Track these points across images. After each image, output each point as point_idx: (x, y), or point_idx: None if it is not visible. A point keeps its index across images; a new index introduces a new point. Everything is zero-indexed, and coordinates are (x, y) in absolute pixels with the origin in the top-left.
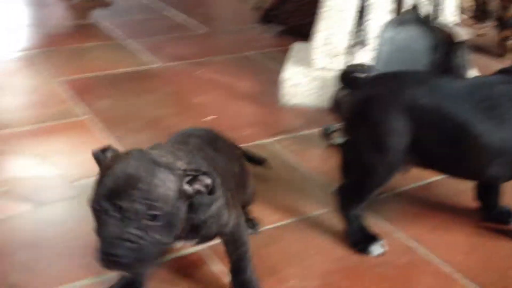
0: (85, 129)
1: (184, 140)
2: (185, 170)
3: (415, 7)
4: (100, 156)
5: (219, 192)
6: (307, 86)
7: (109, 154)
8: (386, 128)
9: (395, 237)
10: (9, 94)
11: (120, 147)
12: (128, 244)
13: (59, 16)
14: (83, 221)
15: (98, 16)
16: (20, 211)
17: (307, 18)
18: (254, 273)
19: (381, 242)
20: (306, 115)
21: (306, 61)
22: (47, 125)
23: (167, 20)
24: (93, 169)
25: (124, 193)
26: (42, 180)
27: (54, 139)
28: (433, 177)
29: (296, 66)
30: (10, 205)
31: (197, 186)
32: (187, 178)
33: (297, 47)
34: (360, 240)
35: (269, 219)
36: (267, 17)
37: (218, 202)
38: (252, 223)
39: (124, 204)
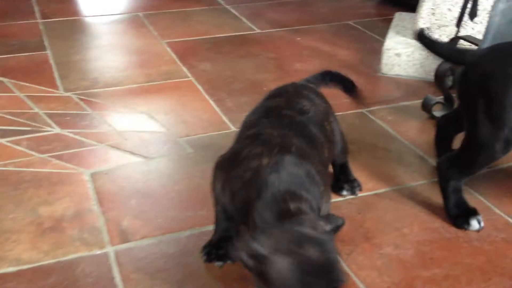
0: (190, 89)
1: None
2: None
3: None
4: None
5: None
6: (410, 56)
7: None
8: (505, 103)
9: (493, 212)
10: (119, 54)
11: (221, 107)
12: None
13: None
14: (187, 176)
15: None
16: (131, 162)
17: None
18: None
19: (480, 217)
20: (407, 86)
21: (410, 31)
22: (154, 84)
23: None
24: (197, 127)
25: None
26: (150, 135)
27: (161, 97)
28: None
29: (399, 35)
30: (121, 155)
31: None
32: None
33: (400, 16)
34: (459, 213)
35: (365, 186)
36: None
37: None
38: (351, 185)
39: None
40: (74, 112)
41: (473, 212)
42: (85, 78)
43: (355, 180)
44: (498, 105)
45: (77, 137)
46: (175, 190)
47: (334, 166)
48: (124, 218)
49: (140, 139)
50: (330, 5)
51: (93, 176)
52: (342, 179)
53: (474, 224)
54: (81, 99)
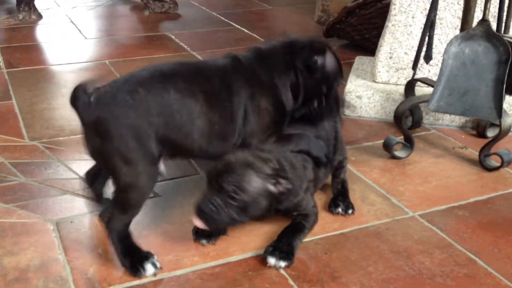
0: None
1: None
2: (269, 175)
3: (482, 23)
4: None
5: (301, 192)
6: (371, 98)
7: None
8: (116, 142)
9: (455, 249)
10: None
11: None
12: (211, 206)
13: (131, 27)
14: (154, 222)
15: (167, 28)
16: (97, 209)
17: (371, 32)
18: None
19: (155, 259)
20: (369, 127)
21: (369, 74)
22: None
23: (232, 33)
24: (167, 173)
25: (224, 174)
26: None
27: None
28: (493, 193)
29: (360, 79)
30: (87, 203)
31: (280, 188)
32: (272, 181)
33: (360, 60)
34: (132, 261)
35: (331, 226)
36: (331, 31)
37: (300, 197)
38: (346, 206)
39: (221, 181)
40: (40, 160)
41: (146, 256)
42: (51, 127)
43: (350, 203)
44: (110, 145)
45: (42, 186)
46: (142, 235)
47: (333, 184)
48: (90, 267)
49: (106, 186)
50: None
51: (59, 225)
52: (339, 199)
53: (149, 268)
54: (47, 148)
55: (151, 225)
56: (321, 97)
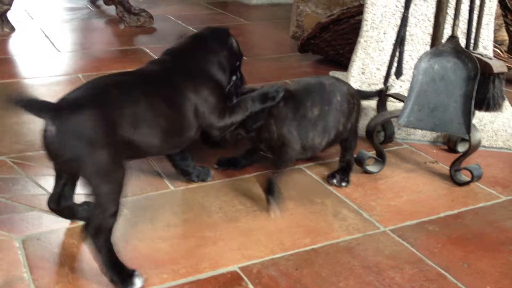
0: None
1: None
2: None
3: (451, 39)
4: None
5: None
6: None
7: None
8: None
9: (425, 264)
10: None
11: (161, 166)
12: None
13: (106, 41)
14: (123, 239)
15: (142, 42)
16: (65, 226)
17: (345, 48)
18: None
19: (137, 272)
20: None
21: None
22: None
23: None
24: (135, 187)
25: None
26: (86, 196)
27: None
28: (463, 207)
29: None
30: (55, 220)
31: None
32: None
33: (334, 75)
34: (122, 277)
35: (302, 242)
36: (306, 46)
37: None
38: (341, 179)
39: None
40: (7, 176)
41: (133, 271)
42: (20, 141)
43: (347, 177)
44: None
45: (9, 202)
46: None
47: (339, 161)
48: (56, 285)
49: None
50: (268, 64)
51: (25, 242)
52: (338, 173)
53: (138, 282)
54: (15, 163)
55: (120, 242)
56: (237, 72)
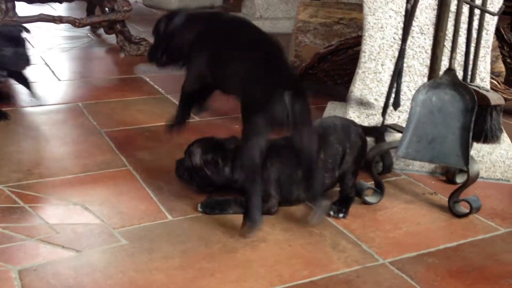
0: (127, 178)
1: None
2: None
3: (448, 72)
4: None
5: None
6: None
7: None
8: None
9: None
10: (55, 144)
11: (159, 196)
12: None
13: (106, 69)
14: (120, 270)
15: (142, 70)
16: (62, 257)
17: (343, 78)
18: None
19: None
20: None
21: None
22: (90, 174)
23: None
24: (133, 217)
25: None
26: (84, 227)
27: (97, 188)
28: (462, 240)
29: None
30: (52, 250)
31: None
32: None
33: (332, 105)
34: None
35: (300, 274)
36: (304, 76)
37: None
38: (338, 210)
39: None
40: (4, 205)
41: None
42: (18, 170)
43: (345, 208)
44: None
45: (6, 231)
46: (107, 284)
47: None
48: None
49: (72, 232)
50: None
51: (21, 273)
52: (336, 203)
53: None
54: (13, 192)
55: (117, 274)
56: None
